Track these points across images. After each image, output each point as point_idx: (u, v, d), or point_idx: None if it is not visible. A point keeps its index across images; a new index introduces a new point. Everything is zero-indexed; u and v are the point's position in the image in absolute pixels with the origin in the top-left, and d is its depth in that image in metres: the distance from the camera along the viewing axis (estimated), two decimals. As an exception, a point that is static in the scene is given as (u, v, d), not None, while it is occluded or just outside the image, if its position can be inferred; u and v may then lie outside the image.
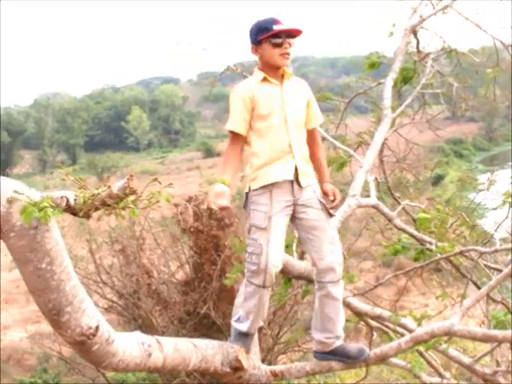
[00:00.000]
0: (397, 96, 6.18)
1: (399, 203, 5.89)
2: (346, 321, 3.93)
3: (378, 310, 4.62)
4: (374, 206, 5.28)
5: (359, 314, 4.69)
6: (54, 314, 2.68)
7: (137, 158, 67.41)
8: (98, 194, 2.59)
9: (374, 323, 4.83)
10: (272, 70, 3.65)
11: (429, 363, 4.92)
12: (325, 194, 3.71)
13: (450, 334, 3.77)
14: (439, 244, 4.95)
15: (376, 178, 5.85)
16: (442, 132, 7.99)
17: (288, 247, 4.32)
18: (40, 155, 71.17)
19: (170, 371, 3.55)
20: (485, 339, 3.80)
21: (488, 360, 5.66)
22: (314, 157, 3.79)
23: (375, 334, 4.92)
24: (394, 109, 5.80)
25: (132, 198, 2.61)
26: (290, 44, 3.61)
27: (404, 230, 5.27)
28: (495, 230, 5.15)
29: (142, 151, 74.89)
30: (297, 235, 4.69)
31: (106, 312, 11.59)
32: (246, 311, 3.66)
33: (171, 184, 2.69)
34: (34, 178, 57.07)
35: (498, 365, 4.86)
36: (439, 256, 4.86)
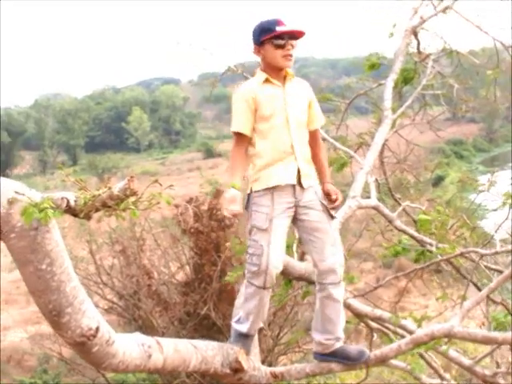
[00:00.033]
0: (397, 97, 6.18)
1: (400, 204, 5.89)
2: (346, 322, 3.93)
3: (378, 312, 4.62)
4: (375, 208, 5.28)
5: (359, 316, 4.69)
6: (55, 315, 2.68)
7: (137, 159, 67.39)
8: (99, 195, 2.59)
9: (374, 324, 4.83)
10: (274, 71, 3.65)
11: (429, 364, 4.92)
12: (327, 194, 3.71)
13: (450, 336, 3.77)
14: (440, 245, 4.95)
15: (376, 180, 5.85)
16: (442, 133, 7.99)
17: (288, 248, 4.32)
18: (40, 156, 71.18)
19: (170, 372, 3.54)
20: (485, 341, 3.80)
21: (488, 361, 5.66)
22: (315, 158, 3.79)
23: (375, 335, 4.91)
24: (394, 110, 5.80)
25: (133, 199, 2.61)
26: (292, 45, 3.60)
27: (404, 232, 5.27)
28: (495, 232, 5.14)
29: (143, 152, 74.89)
30: (297, 236, 4.70)
31: (107, 313, 11.59)
32: (246, 312, 3.66)
33: (172, 185, 2.69)
34: (35, 178, 57.09)
35: (498, 366, 4.86)
36: (440, 258, 4.86)
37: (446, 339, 3.97)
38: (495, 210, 5.38)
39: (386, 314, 4.59)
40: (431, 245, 5.05)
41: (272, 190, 3.56)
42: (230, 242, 9.56)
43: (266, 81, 3.64)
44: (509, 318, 4.33)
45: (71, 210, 2.62)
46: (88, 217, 2.64)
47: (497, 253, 4.81)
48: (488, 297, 4.06)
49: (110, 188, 2.60)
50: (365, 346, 4.59)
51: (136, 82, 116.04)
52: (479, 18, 5.88)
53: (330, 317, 3.72)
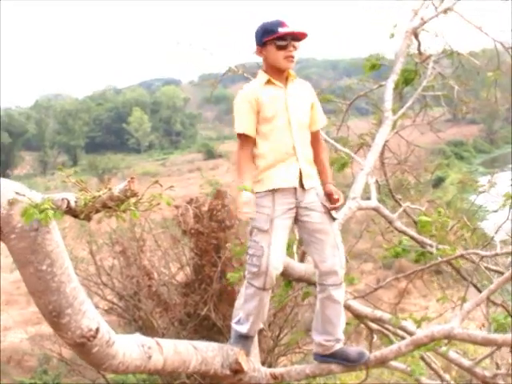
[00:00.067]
0: (398, 98, 6.18)
1: (400, 205, 5.89)
2: (347, 324, 3.93)
3: (378, 313, 4.62)
4: (375, 209, 5.28)
5: (359, 317, 4.69)
6: (55, 315, 2.68)
7: (138, 160, 67.37)
8: (99, 196, 2.59)
9: (374, 326, 4.83)
10: (276, 73, 3.64)
11: (429, 366, 4.92)
12: (328, 195, 3.69)
13: (449, 338, 3.77)
14: (440, 247, 4.95)
15: (377, 181, 5.85)
16: (442, 134, 8.00)
17: (289, 249, 4.32)
18: (41, 156, 71.22)
19: (170, 373, 3.55)
20: (485, 343, 3.80)
21: (488, 363, 5.66)
22: (317, 159, 3.78)
23: (375, 336, 4.92)
24: (395, 111, 5.80)
25: (133, 200, 2.61)
26: (294, 47, 3.60)
27: (405, 233, 5.27)
28: (495, 233, 5.15)
29: (143, 153, 74.92)
30: (298, 237, 4.70)
31: (107, 313, 11.58)
32: (246, 313, 3.66)
33: (172, 186, 2.69)
34: (35, 179, 57.11)
35: (498, 368, 4.86)
36: (440, 259, 4.86)
37: (446, 340, 3.97)
38: (495, 211, 5.38)
39: (386, 316, 4.59)
40: (431, 246, 5.05)
41: (273, 191, 3.56)
42: (230, 243, 9.58)
43: (268, 82, 3.64)
44: (509, 319, 4.32)
45: (71, 211, 2.62)
46: (88, 218, 2.64)
47: (497, 254, 4.81)
48: (488, 298, 4.06)
49: (110, 189, 2.61)
50: (365, 347, 4.60)
51: (137, 82, 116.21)
52: (480, 19, 5.89)
53: (330, 318, 3.72)
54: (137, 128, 75.07)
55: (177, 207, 10.89)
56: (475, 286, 5.07)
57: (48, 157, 71.43)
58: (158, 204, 2.65)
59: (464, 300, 3.97)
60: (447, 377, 5.17)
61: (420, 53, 6.26)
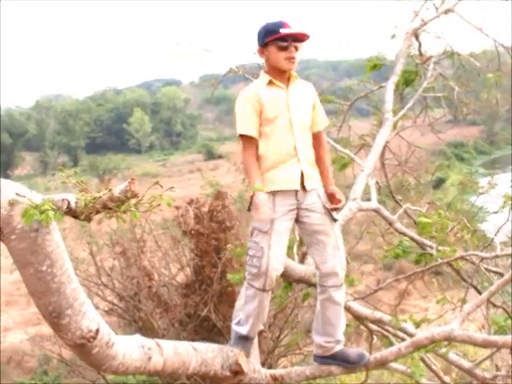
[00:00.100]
0: (399, 99, 6.18)
1: (401, 206, 5.89)
2: (347, 325, 3.93)
3: (378, 314, 4.62)
4: (375, 210, 5.28)
5: (360, 318, 4.68)
6: (55, 316, 2.68)
7: (138, 160, 67.40)
8: (100, 197, 2.59)
9: (374, 327, 4.83)
10: (278, 73, 3.63)
11: (429, 367, 4.91)
12: (331, 195, 3.67)
13: (450, 339, 3.77)
14: (440, 248, 4.95)
15: (377, 182, 5.85)
16: (443, 135, 7.99)
17: (289, 250, 4.32)
18: (41, 157, 71.27)
19: (169, 374, 3.55)
20: (485, 345, 3.79)
21: (488, 364, 5.66)
22: (319, 160, 3.76)
23: (375, 337, 4.91)
24: (395, 112, 5.80)
25: (133, 201, 2.61)
26: (296, 48, 3.58)
27: (405, 234, 5.26)
28: (495, 234, 5.14)
29: (144, 153, 74.94)
30: (298, 238, 4.70)
31: (107, 314, 11.58)
32: (246, 314, 3.66)
33: (172, 187, 2.69)
34: (35, 179, 57.14)
35: (498, 369, 4.86)
36: (440, 261, 4.86)
37: (446, 342, 3.97)
38: (496, 213, 5.38)
39: (387, 317, 4.59)
40: (431, 247, 5.05)
41: (274, 192, 3.54)
42: (230, 244, 9.58)
43: (270, 83, 3.62)
44: (509, 321, 4.32)
45: (72, 212, 2.62)
46: (89, 219, 2.64)
47: (497, 256, 4.81)
48: (488, 300, 4.06)
49: (110, 190, 2.60)
50: (365, 348, 4.59)
51: (137, 83, 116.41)
52: (480, 20, 5.90)
53: (330, 319, 3.72)
54: (137, 129, 75.11)
55: (177, 208, 10.89)
56: (475, 288, 5.07)
57: (48, 157, 71.48)
58: (159, 205, 2.65)
59: (464, 301, 3.97)
60: (447, 378, 5.17)
61: (421, 54, 6.26)
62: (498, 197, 5.33)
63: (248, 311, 3.64)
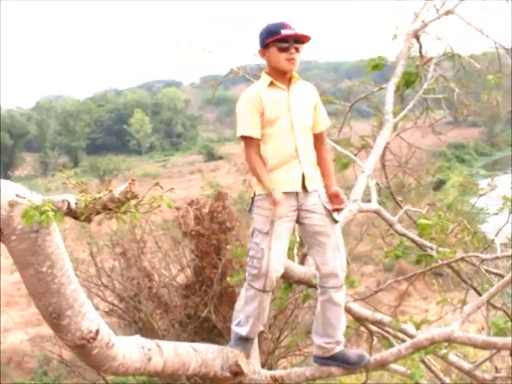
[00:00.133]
0: (399, 100, 6.19)
1: (401, 207, 5.89)
2: (347, 326, 3.93)
3: (378, 315, 4.62)
4: (376, 211, 5.28)
5: (360, 319, 4.69)
6: (55, 317, 2.69)
7: (139, 161, 67.42)
8: (100, 197, 2.59)
9: (374, 328, 4.83)
10: (279, 75, 3.62)
11: (429, 369, 4.91)
12: (334, 195, 3.64)
13: (450, 341, 3.77)
14: (440, 249, 4.95)
15: (377, 183, 5.85)
16: (443, 136, 7.99)
17: (289, 251, 4.32)
18: (42, 158, 71.28)
19: (169, 375, 3.55)
20: (485, 346, 3.80)
21: (489, 365, 5.66)
22: (321, 160, 3.74)
23: (375, 339, 4.91)
24: (396, 113, 5.80)
25: (133, 202, 2.61)
26: (297, 49, 3.57)
27: (405, 235, 5.26)
28: (495, 236, 5.15)
29: (144, 154, 74.95)
30: (298, 239, 4.70)
31: (107, 315, 11.58)
32: (246, 315, 3.66)
33: (172, 188, 2.69)
34: (36, 180, 57.18)
35: (498, 371, 4.86)
36: (440, 262, 4.86)
37: (446, 343, 3.97)
38: (496, 214, 5.39)
39: (387, 318, 4.59)
40: (432, 249, 5.05)
41: (275, 194, 3.53)
42: (230, 245, 9.58)
43: (271, 84, 3.62)
44: (509, 324, 4.33)
45: (72, 213, 2.62)
46: (89, 219, 2.64)
47: (497, 257, 4.81)
48: (488, 301, 4.06)
49: (110, 191, 2.61)
50: (365, 349, 4.59)
51: (138, 84, 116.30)
52: (481, 22, 5.90)
53: (330, 320, 3.71)
54: (138, 129, 75.12)
55: (177, 209, 10.88)
56: (475, 289, 5.06)
57: (49, 158, 71.50)
58: (159, 206, 2.65)
59: (464, 303, 3.97)
60: (447, 380, 5.17)
61: (421, 55, 6.26)
62: (498, 198, 5.34)
63: (248, 312, 3.64)
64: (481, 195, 6.07)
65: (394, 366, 4.15)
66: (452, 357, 4.25)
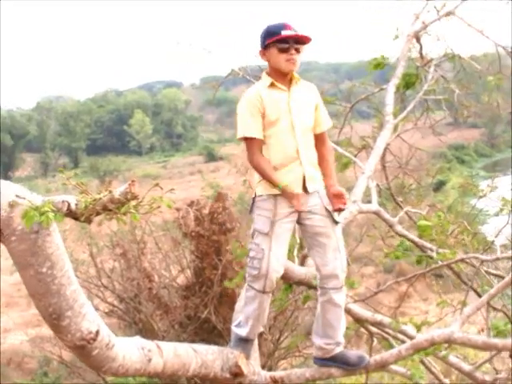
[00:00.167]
0: (399, 101, 6.19)
1: (401, 208, 5.89)
2: (347, 328, 3.93)
3: (378, 317, 4.61)
4: (376, 213, 5.28)
5: (360, 321, 4.68)
6: (55, 318, 2.69)
7: (139, 162, 67.43)
8: (100, 198, 2.59)
9: (374, 329, 4.83)
10: (279, 75, 3.61)
11: (429, 370, 4.91)
12: (337, 195, 3.61)
13: (450, 342, 3.77)
14: (440, 251, 4.95)
15: (377, 184, 5.85)
16: (444, 137, 8.00)
17: (289, 252, 4.32)
18: (42, 158, 71.28)
19: (169, 376, 3.54)
20: (485, 347, 3.79)
21: (489, 367, 5.65)
22: (323, 161, 3.74)
23: (375, 340, 4.91)
24: (396, 114, 5.80)
25: (133, 203, 2.61)
26: (297, 50, 3.56)
27: (405, 237, 5.26)
28: (496, 237, 5.15)
29: (145, 155, 74.95)
30: (298, 240, 4.70)
31: (107, 316, 11.58)
32: (246, 316, 3.66)
33: (173, 189, 2.69)
34: (36, 181, 57.15)
35: (498, 372, 4.85)
36: (440, 263, 4.86)
37: (446, 345, 3.97)
38: (496, 215, 5.39)
39: (387, 319, 4.58)
40: (432, 250, 5.05)
41: (276, 195, 3.53)
42: (230, 246, 9.58)
43: (272, 85, 3.61)
44: (509, 326, 4.32)
45: (72, 214, 2.62)
46: (89, 220, 2.64)
47: (497, 259, 4.81)
48: (488, 303, 4.05)
49: (110, 192, 2.61)
50: (365, 350, 4.59)
51: (138, 84, 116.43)
52: (481, 23, 5.90)
53: (330, 321, 3.71)
54: (138, 130, 75.12)
55: (178, 210, 10.89)
56: (475, 291, 5.06)
57: (49, 159, 71.50)
58: (159, 207, 2.65)
59: (464, 304, 3.97)
60: (447, 381, 5.17)
61: (421, 56, 6.26)
62: (498, 200, 5.34)
63: (248, 313, 3.64)
64: (481, 196, 6.07)
65: (394, 367, 4.15)
66: (452, 358, 4.25)
